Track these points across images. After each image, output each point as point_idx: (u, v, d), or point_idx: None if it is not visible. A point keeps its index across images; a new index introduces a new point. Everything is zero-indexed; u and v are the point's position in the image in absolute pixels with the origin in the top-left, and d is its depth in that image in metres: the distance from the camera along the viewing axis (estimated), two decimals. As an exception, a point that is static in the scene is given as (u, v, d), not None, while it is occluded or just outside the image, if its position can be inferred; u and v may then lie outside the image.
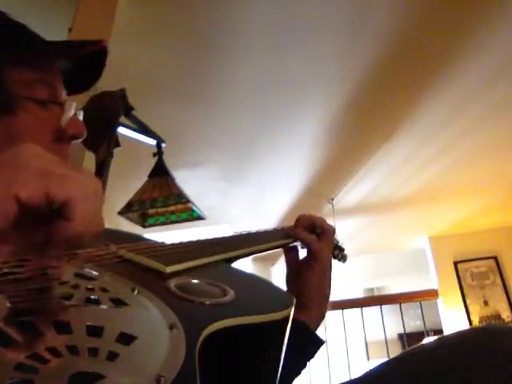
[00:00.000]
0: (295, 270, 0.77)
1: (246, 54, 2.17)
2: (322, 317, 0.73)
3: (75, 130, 0.59)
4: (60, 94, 0.59)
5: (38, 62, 0.57)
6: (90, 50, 0.59)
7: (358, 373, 0.55)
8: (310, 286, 0.73)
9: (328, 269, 0.76)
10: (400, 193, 3.70)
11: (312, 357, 0.70)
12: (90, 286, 0.35)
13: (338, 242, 0.92)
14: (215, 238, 0.66)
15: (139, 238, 0.60)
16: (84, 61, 0.61)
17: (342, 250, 0.93)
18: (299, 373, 0.68)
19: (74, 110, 0.59)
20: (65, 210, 0.31)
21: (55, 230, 0.32)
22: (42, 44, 0.58)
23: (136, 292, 0.36)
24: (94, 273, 0.40)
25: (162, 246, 0.55)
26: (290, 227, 0.80)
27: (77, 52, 0.59)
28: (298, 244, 0.79)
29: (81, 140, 0.61)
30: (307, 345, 0.70)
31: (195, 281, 0.43)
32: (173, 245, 0.57)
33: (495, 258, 4.27)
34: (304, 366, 0.69)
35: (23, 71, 0.55)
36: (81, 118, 0.62)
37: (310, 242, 0.75)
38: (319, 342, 0.72)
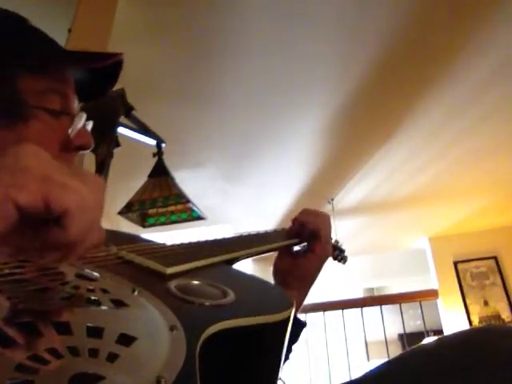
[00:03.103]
0: (289, 257, 0.80)
1: (246, 55, 2.17)
2: (303, 301, 0.78)
3: (83, 141, 0.59)
4: (72, 104, 0.58)
5: (53, 71, 0.56)
6: (109, 62, 0.59)
7: (358, 373, 0.55)
8: (305, 270, 0.77)
9: (328, 257, 0.80)
10: (400, 193, 3.70)
11: (296, 341, 0.73)
12: (90, 287, 0.35)
13: (338, 243, 0.93)
14: (216, 240, 0.66)
15: (139, 239, 0.60)
16: (98, 72, 0.61)
17: (342, 251, 0.94)
18: (287, 358, 0.69)
19: (83, 121, 0.59)
20: (61, 220, 0.31)
21: (49, 235, 0.32)
22: (60, 53, 0.58)
23: (136, 293, 0.36)
24: (95, 274, 0.40)
25: (163, 247, 0.56)
26: (290, 227, 0.82)
27: (94, 64, 0.59)
28: (299, 245, 0.80)
29: (88, 151, 0.61)
30: (293, 329, 0.71)
31: (196, 282, 0.43)
32: (173, 246, 0.57)
33: (495, 258, 4.27)
34: (290, 350, 0.71)
35: (38, 80, 0.55)
36: (90, 128, 0.62)
37: (319, 226, 0.77)
38: (301, 325, 0.74)
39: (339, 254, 0.93)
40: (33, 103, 0.53)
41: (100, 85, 0.65)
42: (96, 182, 0.34)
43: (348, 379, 0.56)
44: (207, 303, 0.38)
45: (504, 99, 2.58)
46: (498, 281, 4.21)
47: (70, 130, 0.57)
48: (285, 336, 0.41)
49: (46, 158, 0.33)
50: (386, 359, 0.52)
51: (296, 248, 0.82)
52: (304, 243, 0.80)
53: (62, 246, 0.32)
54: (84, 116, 0.59)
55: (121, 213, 1.63)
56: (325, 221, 0.80)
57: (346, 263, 0.98)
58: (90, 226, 0.33)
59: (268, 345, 0.40)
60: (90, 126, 0.62)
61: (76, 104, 0.60)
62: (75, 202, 0.31)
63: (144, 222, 1.75)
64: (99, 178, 0.35)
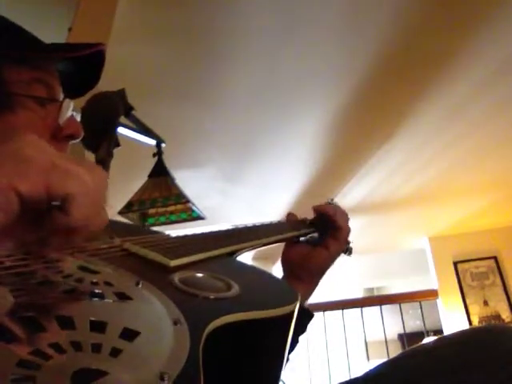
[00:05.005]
0: (300, 249, 0.80)
1: (246, 54, 2.17)
2: (311, 294, 0.79)
3: (72, 129, 0.59)
4: (58, 93, 0.59)
5: (36, 61, 0.57)
6: (89, 51, 0.59)
7: (357, 373, 0.55)
8: (316, 264, 0.78)
9: (339, 255, 0.81)
10: (400, 193, 3.70)
11: (303, 332, 0.73)
12: (94, 280, 0.35)
13: None
14: (220, 231, 0.66)
15: (144, 231, 0.60)
16: (82, 64, 0.62)
17: (347, 242, 0.94)
18: (292, 349, 0.69)
19: (71, 110, 0.60)
20: (64, 205, 0.31)
21: (52, 221, 0.32)
22: (42, 44, 0.59)
23: (140, 286, 0.36)
24: (99, 266, 0.40)
25: (168, 239, 0.55)
26: (302, 218, 0.82)
27: (75, 53, 0.60)
28: (308, 236, 0.81)
29: (78, 140, 0.61)
30: (301, 320, 0.72)
31: (200, 275, 0.43)
32: (178, 238, 0.57)
33: (495, 258, 4.26)
34: (297, 342, 0.71)
35: (22, 70, 0.56)
36: (78, 118, 0.63)
37: (342, 225, 0.78)
38: (310, 316, 0.75)
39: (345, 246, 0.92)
40: (19, 92, 0.54)
41: (85, 79, 0.66)
42: (97, 170, 0.35)
43: (348, 379, 0.56)
44: (211, 296, 0.37)
45: (504, 99, 2.58)
46: (498, 281, 4.20)
47: (58, 119, 0.58)
48: (289, 330, 0.41)
49: (47, 147, 0.33)
50: (386, 359, 0.52)
51: (301, 238, 0.82)
52: (313, 234, 0.80)
53: (65, 230, 0.32)
54: (71, 105, 0.60)
55: (121, 213, 1.63)
56: (347, 221, 0.81)
57: (346, 264, 0.97)
58: (92, 210, 0.33)
59: (272, 338, 0.40)
60: (78, 117, 0.62)
61: (61, 94, 0.60)
62: (77, 187, 0.31)
63: (144, 222, 1.75)
64: (100, 167, 0.35)
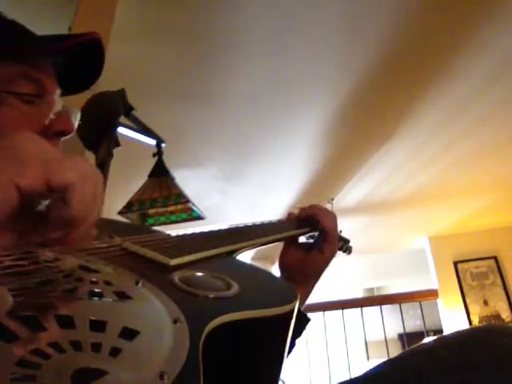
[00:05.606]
0: (297, 253, 0.81)
1: (246, 54, 2.17)
2: (307, 298, 0.79)
3: (63, 125, 0.57)
4: (48, 89, 0.57)
5: (21, 56, 0.55)
6: (80, 40, 0.58)
7: (357, 373, 0.55)
8: (313, 267, 0.78)
9: (333, 257, 0.81)
10: (400, 193, 3.70)
11: (300, 335, 0.73)
12: (93, 279, 0.35)
13: (341, 232, 0.93)
14: (220, 230, 0.66)
15: (144, 230, 0.60)
16: (82, 58, 0.60)
17: (346, 241, 0.94)
18: (289, 353, 0.69)
19: (61, 105, 0.58)
20: (65, 195, 0.31)
21: (52, 211, 0.32)
22: (30, 38, 0.57)
23: (140, 285, 0.36)
24: (98, 265, 0.39)
25: (168, 238, 0.55)
26: (298, 217, 0.83)
27: (65, 43, 0.58)
28: (307, 235, 0.81)
29: (69, 136, 0.59)
30: (297, 323, 0.72)
31: (199, 274, 0.43)
32: (178, 237, 0.57)
33: (495, 258, 4.27)
34: (293, 345, 0.71)
35: (6, 65, 0.54)
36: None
37: (330, 226, 0.79)
38: (306, 320, 0.75)
39: (344, 245, 0.92)
40: (0, 89, 0.52)
41: (87, 73, 0.64)
42: (90, 163, 0.35)
43: (348, 379, 0.55)
44: (211, 295, 0.37)
45: (504, 99, 2.58)
46: (498, 281, 4.20)
47: (48, 115, 0.56)
48: (289, 329, 0.41)
49: (43, 142, 0.33)
50: (386, 359, 0.52)
51: (301, 239, 0.82)
52: (312, 233, 0.81)
53: (65, 223, 0.32)
54: (61, 101, 0.58)
55: (120, 213, 1.63)
56: (335, 221, 0.81)
57: (346, 264, 0.98)
58: (92, 195, 0.33)
59: (272, 338, 0.40)
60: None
61: (56, 90, 0.58)
62: (76, 174, 0.31)
63: (144, 222, 1.75)
64: (88, 163, 0.35)
